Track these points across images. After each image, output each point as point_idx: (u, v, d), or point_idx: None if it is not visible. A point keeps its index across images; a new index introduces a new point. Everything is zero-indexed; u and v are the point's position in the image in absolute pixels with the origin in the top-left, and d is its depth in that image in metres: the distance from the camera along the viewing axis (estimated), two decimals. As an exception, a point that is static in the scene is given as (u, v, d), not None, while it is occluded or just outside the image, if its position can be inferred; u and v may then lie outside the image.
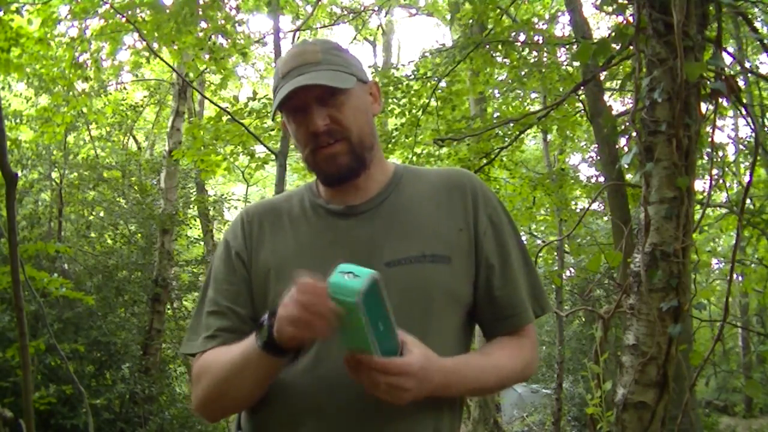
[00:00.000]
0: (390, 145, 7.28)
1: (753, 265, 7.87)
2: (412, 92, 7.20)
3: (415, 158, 7.20)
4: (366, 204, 1.28)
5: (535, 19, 7.92)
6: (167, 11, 6.36)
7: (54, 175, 9.26)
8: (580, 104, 7.65)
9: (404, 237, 1.23)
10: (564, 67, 7.51)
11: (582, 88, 5.55)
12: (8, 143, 5.06)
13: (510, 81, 8.09)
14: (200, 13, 6.52)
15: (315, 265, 1.18)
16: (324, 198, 1.31)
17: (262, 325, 1.10)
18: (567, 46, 7.01)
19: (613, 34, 2.76)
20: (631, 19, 2.63)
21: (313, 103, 1.20)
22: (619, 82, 6.61)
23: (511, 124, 6.37)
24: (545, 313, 1.32)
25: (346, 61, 1.26)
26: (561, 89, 7.41)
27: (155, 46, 6.93)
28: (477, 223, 1.27)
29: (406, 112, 7.17)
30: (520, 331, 1.29)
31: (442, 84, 7.20)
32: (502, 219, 1.31)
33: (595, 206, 9.49)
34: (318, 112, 1.20)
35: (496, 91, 9.20)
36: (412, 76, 7.32)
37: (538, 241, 12.08)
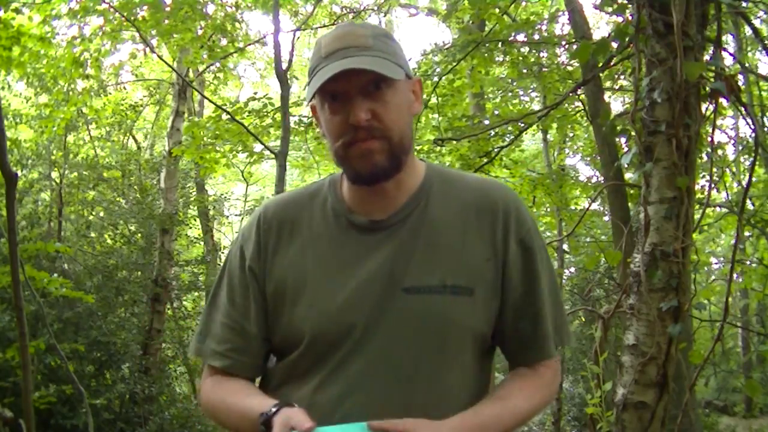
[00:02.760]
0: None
1: (753, 265, 7.87)
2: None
3: (415, 154, 7.20)
4: (391, 218, 1.18)
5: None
6: (167, 9, 6.39)
7: (54, 174, 9.26)
8: (579, 104, 7.65)
9: (426, 262, 1.15)
10: (564, 67, 7.52)
11: (582, 87, 5.55)
12: (8, 143, 5.06)
13: (510, 81, 8.10)
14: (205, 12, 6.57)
15: (333, 289, 1.16)
16: (348, 204, 1.21)
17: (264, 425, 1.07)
18: (567, 46, 7.01)
19: (613, 33, 2.76)
20: (630, 18, 2.63)
21: (356, 93, 1.09)
22: (619, 79, 6.62)
23: (511, 125, 6.38)
24: (563, 345, 1.23)
25: (396, 51, 1.15)
26: (561, 89, 7.42)
27: (154, 42, 6.95)
28: (507, 250, 1.17)
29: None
30: (542, 362, 1.22)
31: (443, 82, 7.21)
32: (534, 244, 1.20)
33: (595, 206, 9.50)
34: (360, 103, 1.08)
35: (495, 90, 9.20)
36: (414, 73, 7.33)
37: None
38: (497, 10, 6.63)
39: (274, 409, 1.06)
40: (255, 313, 1.21)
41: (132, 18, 6.34)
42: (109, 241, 9.40)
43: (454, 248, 1.16)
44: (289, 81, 5.22)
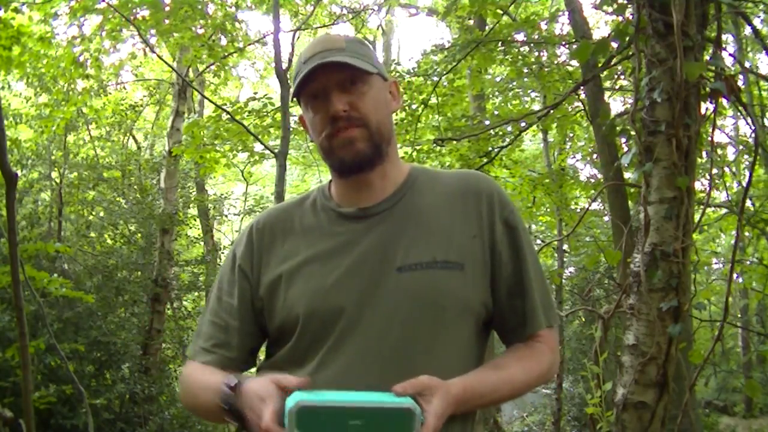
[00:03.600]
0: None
1: (752, 263, 7.87)
2: (413, 88, 7.21)
3: (415, 154, 7.21)
4: (378, 206, 1.25)
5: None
6: (167, 8, 6.39)
7: (54, 174, 9.26)
8: (579, 104, 7.65)
9: (416, 242, 1.21)
10: (564, 67, 7.52)
11: (582, 87, 5.55)
12: (8, 143, 5.06)
13: (510, 81, 8.10)
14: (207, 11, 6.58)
15: (324, 272, 1.21)
16: (336, 200, 1.29)
17: (227, 404, 1.10)
18: (567, 45, 7.02)
19: (613, 33, 2.76)
20: (630, 18, 2.62)
21: (334, 88, 1.19)
22: (619, 79, 6.62)
23: (511, 125, 6.38)
24: (551, 325, 1.28)
25: (368, 53, 1.26)
26: (561, 89, 7.42)
27: (154, 40, 6.96)
28: (493, 229, 1.24)
29: (406, 107, 7.19)
30: (536, 337, 1.25)
31: (444, 82, 7.21)
32: (518, 224, 1.27)
33: (595, 206, 9.50)
34: (338, 96, 1.18)
35: (495, 90, 9.20)
36: (413, 73, 7.35)
37: (538, 241, 12.09)
38: (498, 10, 6.64)
39: (237, 380, 1.10)
40: (239, 308, 1.26)
41: (132, 17, 6.34)
42: (109, 241, 9.40)
43: (442, 229, 1.23)
44: (289, 81, 5.22)
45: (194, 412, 1.31)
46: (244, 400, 1.06)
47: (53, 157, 9.05)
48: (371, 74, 1.22)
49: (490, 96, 9.47)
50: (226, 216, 12.94)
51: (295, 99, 1.28)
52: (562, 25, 7.92)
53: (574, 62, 7.07)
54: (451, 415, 1.11)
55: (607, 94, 6.32)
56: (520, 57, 7.08)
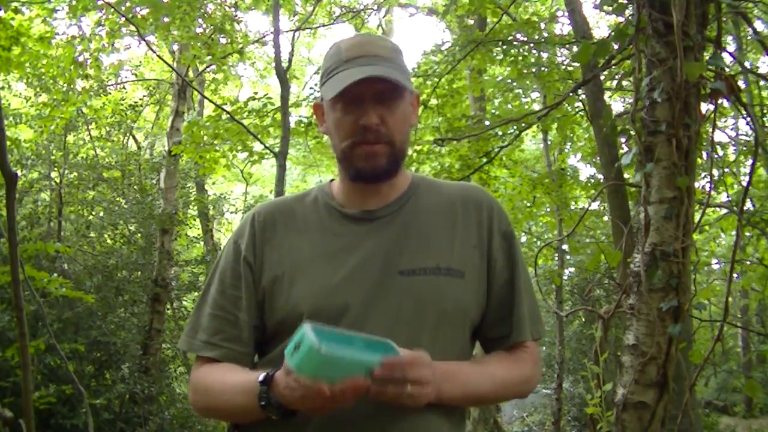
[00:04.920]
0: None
1: (752, 263, 7.87)
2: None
3: (415, 154, 7.21)
4: (382, 210, 1.27)
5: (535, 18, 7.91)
6: (165, 4, 6.40)
7: (53, 174, 9.25)
8: (579, 104, 7.65)
9: (420, 247, 1.24)
10: (564, 67, 7.51)
11: (582, 87, 5.55)
12: (8, 143, 5.06)
13: (510, 80, 8.10)
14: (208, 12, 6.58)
15: (329, 271, 1.22)
16: (339, 200, 1.30)
17: (264, 399, 1.10)
18: (567, 46, 7.01)
19: (613, 33, 2.76)
20: (630, 18, 2.62)
21: (370, 97, 1.19)
22: (621, 80, 6.61)
23: (511, 125, 6.38)
24: (539, 337, 1.32)
25: (405, 66, 1.27)
26: (561, 89, 7.42)
27: (153, 38, 6.97)
28: (491, 240, 1.28)
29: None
30: (520, 347, 1.29)
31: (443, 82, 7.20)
32: (513, 237, 1.32)
33: (594, 206, 9.50)
34: (373, 107, 1.19)
35: (495, 91, 9.20)
36: (413, 73, 7.34)
37: (538, 241, 12.08)
38: (498, 9, 6.63)
39: (267, 372, 1.11)
40: (246, 302, 1.25)
41: (131, 16, 6.34)
42: (109, 241, 9.40)
43: (444, 236, 1.26)
44: (288, 81, 5.22)
45: (210, 413, 1.31)
46: (278, 386, 1.07)
47: (53, 157, 9.03)
48: (405, 89, 1.23)
49: (490, 97, 9.47)
50: (224, 215, 12.94)
51: (319, 88, 1.27)
52: (562, 26, 7.92)
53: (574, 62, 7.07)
54: (441, 417, 1.18)
55: (607, 94, 6.32)
56: (520, 57, 7.08)
